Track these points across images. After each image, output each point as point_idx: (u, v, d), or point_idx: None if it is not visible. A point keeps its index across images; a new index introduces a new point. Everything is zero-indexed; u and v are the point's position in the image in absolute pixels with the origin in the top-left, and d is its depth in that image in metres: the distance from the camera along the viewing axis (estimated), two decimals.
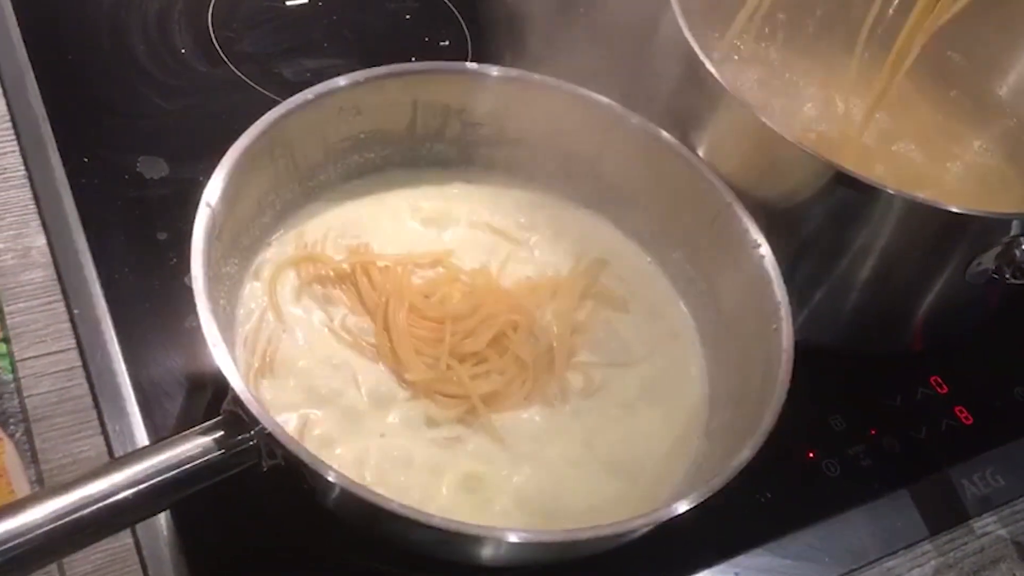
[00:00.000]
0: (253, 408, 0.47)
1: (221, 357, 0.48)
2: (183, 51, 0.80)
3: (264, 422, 0.47)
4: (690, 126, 0.67)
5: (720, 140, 0.66)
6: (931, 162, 0.75)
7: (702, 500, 0.50)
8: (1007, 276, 0.63)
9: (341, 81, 0.62)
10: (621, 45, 0.73)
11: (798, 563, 0.62)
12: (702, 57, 0.63)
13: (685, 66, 0.65)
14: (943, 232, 0.62)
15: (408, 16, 0.88)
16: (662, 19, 0.68)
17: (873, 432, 0.69)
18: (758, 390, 0.56)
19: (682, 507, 0.50)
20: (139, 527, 0.54)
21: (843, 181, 0.60)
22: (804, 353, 0.57)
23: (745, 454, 0.51)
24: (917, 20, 0.66)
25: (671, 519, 0.50)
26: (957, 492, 0.67)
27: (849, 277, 0.66)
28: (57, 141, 0.70)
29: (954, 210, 0.59)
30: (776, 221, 0.62)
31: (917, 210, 0.60)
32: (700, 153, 0.66)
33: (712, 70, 0.62)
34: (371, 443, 0.56)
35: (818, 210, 0.63)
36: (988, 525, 0.67)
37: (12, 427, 0.57)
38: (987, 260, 0.63)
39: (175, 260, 0.66)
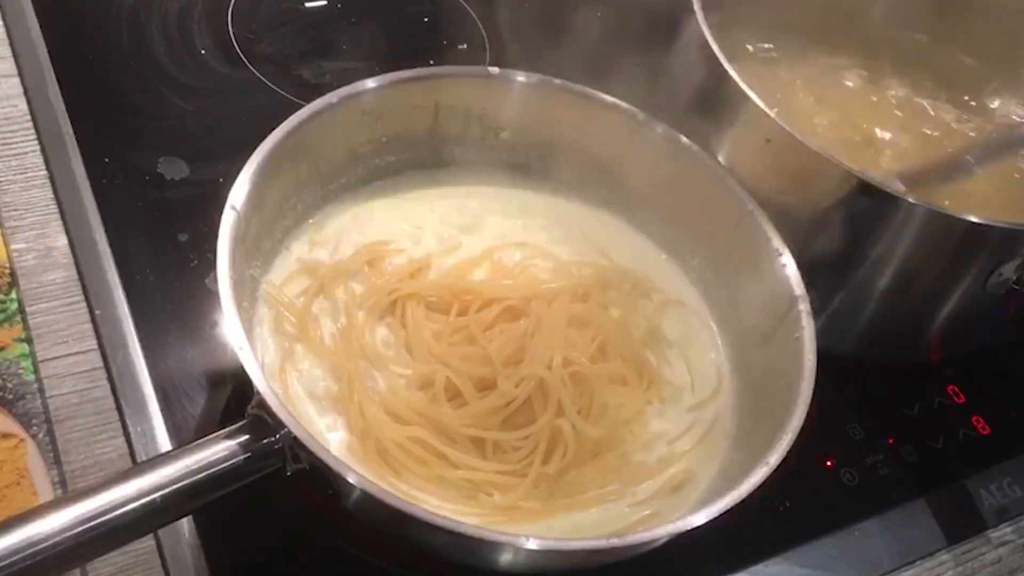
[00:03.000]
0: (279, 412, 0.47)
1: (247, 360, 0.48)
2: (203, 52, 0.80)
3: (289, 425, 0.47)
4: (711, 131, 0.67)
5: (741, 146, 0.66)
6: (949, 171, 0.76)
7: (718, 514, 0.50)
8: None
9: (366, 84, 0.62)
10: (642, 49, 0.73)
11: (815, 572, 0.62)
12: (724, 62, 0.63)
13: (707, 71, 0.65)
14: (964, 242, 0.62)
15: (426, 19, 0.88)
16: (684, 23, 0.68)
17: (891, 441, 0.69)
18: (779, 401, 0.56)
19: (698, 520, 0.50)
20: (161, 529, 0.54)
21: (865, 190, 0.60)
22: (822, 361, 0.56)
23: (763, 471, 0.51)
24: None
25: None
26: (974, 502, 0.67)
27: (868, 285, 0.66)
28: (78, 141, 0.70)
29: (975, 220, 0.59)
30: (796, 228, 0.62)
31: (938, 220, 0.60)
32: (721, 158, 0.66)
33: (735, 75, 0.62)
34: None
35: (839, 218, 0.63)
36: (1006, 535, 0.67)
37: (35, 428, 0.57)
38: (1008, 271, 0.63)
39: (196, 261, 0.66)
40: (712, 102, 0.66)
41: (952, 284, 0.65)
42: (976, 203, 0.69)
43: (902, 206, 0.60)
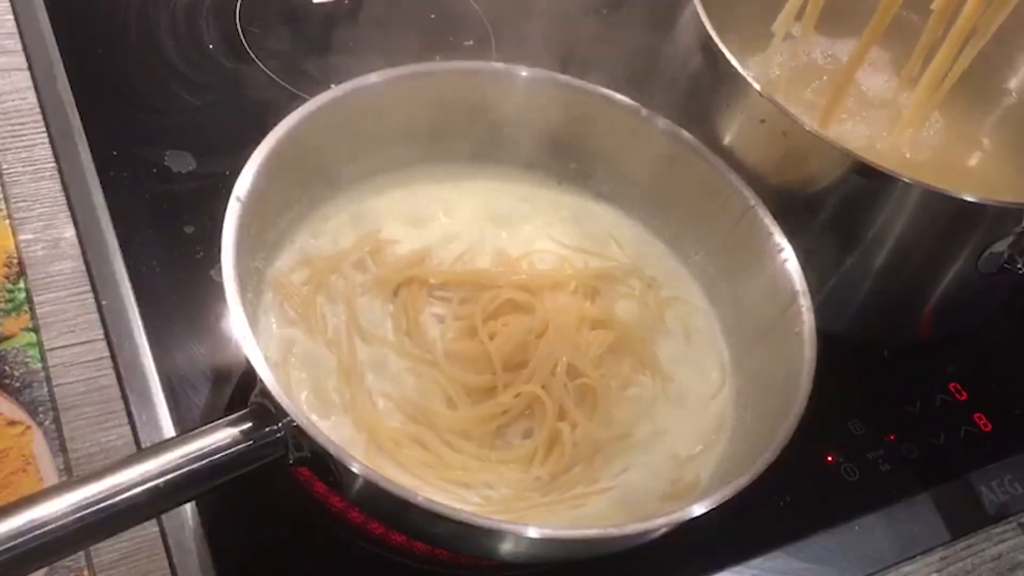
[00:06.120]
0: (281, 400, 0.47)
1: (250, 349, 0.49)
2: (211, 47, 0.81)
3: (292, 414, 0.47)
4: (709, 114, 0.67)
5: (737, 128, 0.67)
6: (941, 153, 0.76)
7: (719, 503, 0.50)
8: (1019, 266, 0.64)
9: (370, 79, 0.63)
10: (643, 36, 0.74)
11: (815, 566, 0.62)
12: (720, 45, 0.63)
13: (705, 55, 0.66)
14: (957, 221, 0.63)
15: (433, 15, 0.89)
16: (683, 11, 0.69)
17: (892, 437, 0.69)
18: (779, 394, 0.56)
19: (699, 509, 0.50)
20: (165, 516, 0.55)
21: (859, 170, 0.61)
22: (823, 354, 0.56)
23: (761, 463, 0.51)
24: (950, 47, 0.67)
25: (689, 520, 0.50)
26: (975, 498, 0.68)
27: (863, 265, 0.67)
28: (87, 134, 0.71)
29: (969, 199, 0.60)
30: (792, 209, 0.63)
31: (932, 199, 0.61)
32: (721, 142, 0.66)
33: (731, 57, 0.63)
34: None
35: (834, 198, 0.64)
36: (1006, 532, 0.67)
37: (41, 415, 0.57)
38: (999, 249, 0.64)
39: (202, 254, 0.67)
40: (708, 84, 0.67)
41: (945, 263, 0.66)
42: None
43: (896, 185, 0.60)
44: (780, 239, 0.61)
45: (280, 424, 0.49)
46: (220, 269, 0.51)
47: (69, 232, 0.66)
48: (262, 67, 0.80)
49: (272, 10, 0.85)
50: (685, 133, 0.65)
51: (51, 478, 0.55)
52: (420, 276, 0.62)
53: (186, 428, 0.58)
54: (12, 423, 0.57)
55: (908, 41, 0.72)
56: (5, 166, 0.68)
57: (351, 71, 0.64)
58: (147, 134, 0.73)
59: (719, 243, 0.65)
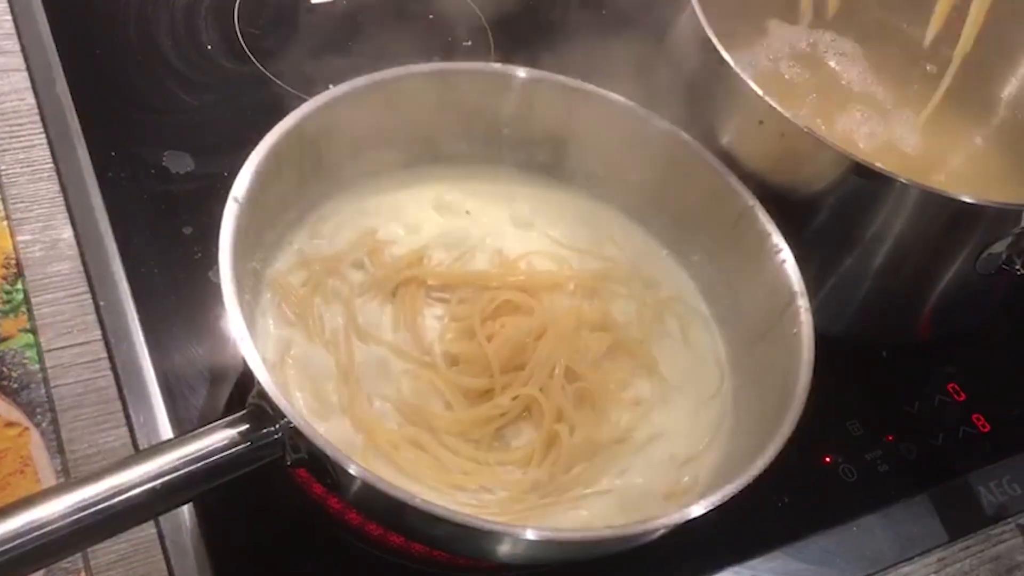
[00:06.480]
0: (279, 402, 0.47)
1: (247, 350, 0.49)
2: (209, 47, 0.81)
3: (289, 415, 0.47)
4: (708, 116, 0.67)
5: (737, 129, 0.67)
6: (933, 155, 0.76)
7: (718, 504, 0.50)
8: (1017, 267, 0.64)
9: (369, 79, 0.63)
10: (642, 41, 0.74)
11: (814, 567, 0.62)
12: (719, 46, 0.63)
13: (701, 54, 0.66)
14: (955, 222, 0.63)
15: (431, 16, 0.89)
16: (682, 12, 0.69)
17: (890, 438, 0.69)
18: (777, 395, 0.56)
19: (698, 510, 0.50)
20: (162, 518, 0.54)
21: (857, 171, 0.61)
22: (821, 355, 0.56)
23: (760, 464, 0.51)
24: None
25: (688, 521, 0.50)
26: (974, 499, 0.68)
27: (861, 266, 0.66)
28: (85, 135, 0.71)
29: (967, 200, 0.60)
30: (790, 210, 0.63)
31: (930, 200, 0.61)
32: (719, 142, 0.66)
33: (728, 58, 0.63)
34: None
35: (832, 199, 0.64)
36: (1004, 533, 0.67)
37: (39, 417, 0.57)
38: (997, 250, 0.64)
39: (200, 254, 0.67)
40: (706, 85, 0.67)
41: (943, 264, 0.66)
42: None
43: (895, 186, 0.60)
44: (778, 239, 0.61)
45: (277, 425, 0.49)
46: (218, 270, 0.52)
47: (67, 233, 0.66)
48: (260, 67, 0.80)
49: (270, 11, 0.85)
50: (683, 134, 0.65)
51: (49, 479, 0.55)
52: (418, 277, 0.62)
53: (184, 429, 0.58)
54: (10, 424, 0.57)
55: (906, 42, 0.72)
56: (3, 167, 0.68)
57: (349, 71, 0.64)
58: (145, 135, 0.73)
59: (717, 244, 0.65)
